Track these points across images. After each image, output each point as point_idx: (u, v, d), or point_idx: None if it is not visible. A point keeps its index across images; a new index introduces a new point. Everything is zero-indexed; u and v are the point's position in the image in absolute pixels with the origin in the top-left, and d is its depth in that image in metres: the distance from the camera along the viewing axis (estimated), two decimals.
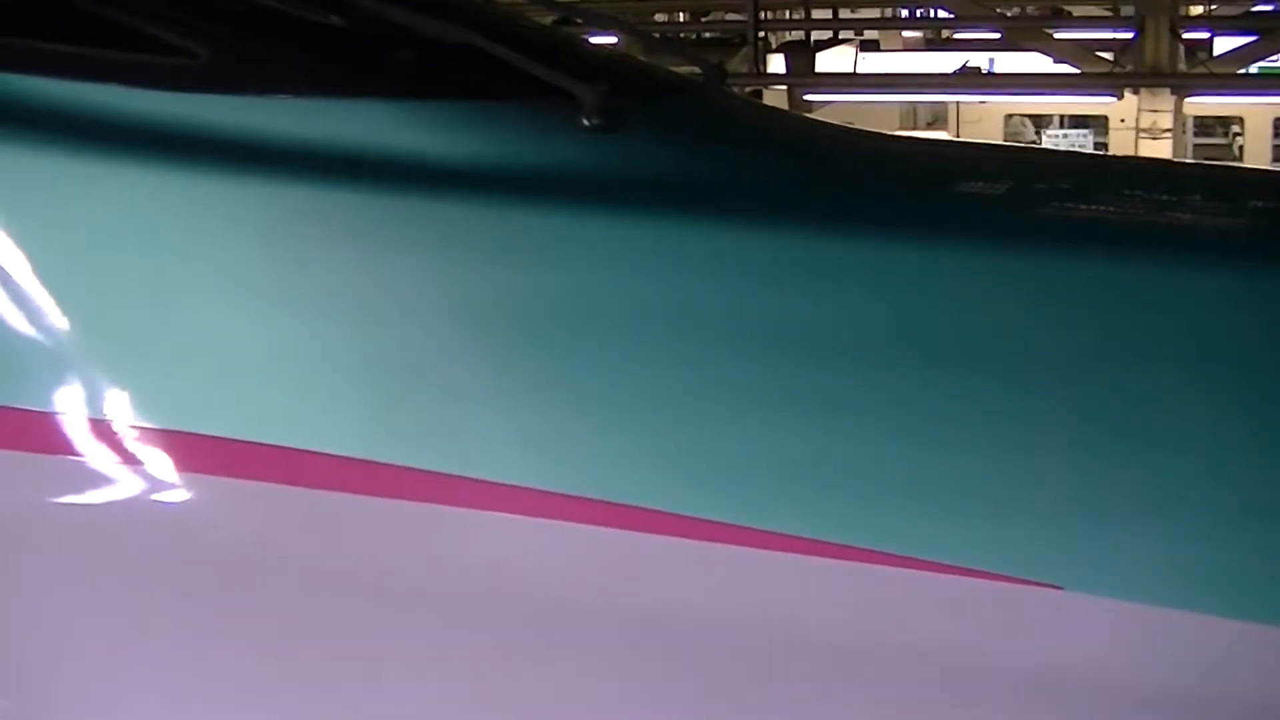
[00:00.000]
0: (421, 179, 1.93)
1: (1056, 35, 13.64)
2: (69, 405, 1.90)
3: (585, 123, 2.05)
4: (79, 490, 1.92)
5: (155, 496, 1.89)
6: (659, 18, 17.35)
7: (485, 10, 2.51)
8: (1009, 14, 15.54)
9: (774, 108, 4.16)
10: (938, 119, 18.17)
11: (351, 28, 2.30)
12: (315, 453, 1.85)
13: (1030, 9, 16.93)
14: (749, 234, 1.92)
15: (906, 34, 18.90)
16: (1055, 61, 12.98)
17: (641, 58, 3.90)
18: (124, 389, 1.90)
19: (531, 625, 1.82)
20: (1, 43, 2.06)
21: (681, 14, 17.74)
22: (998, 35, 15.08)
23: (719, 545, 1.76)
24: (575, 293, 1.87)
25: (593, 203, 1.94)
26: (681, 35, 17.02)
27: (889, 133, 2.95)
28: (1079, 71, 12.70)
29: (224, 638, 1.89)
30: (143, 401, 1.90)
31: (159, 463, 1.89)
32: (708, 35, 16.89)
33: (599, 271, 1.88)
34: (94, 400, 1.90)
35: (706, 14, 17.76)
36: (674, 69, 2.82)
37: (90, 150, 1.93)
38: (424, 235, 1.90)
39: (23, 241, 1.91)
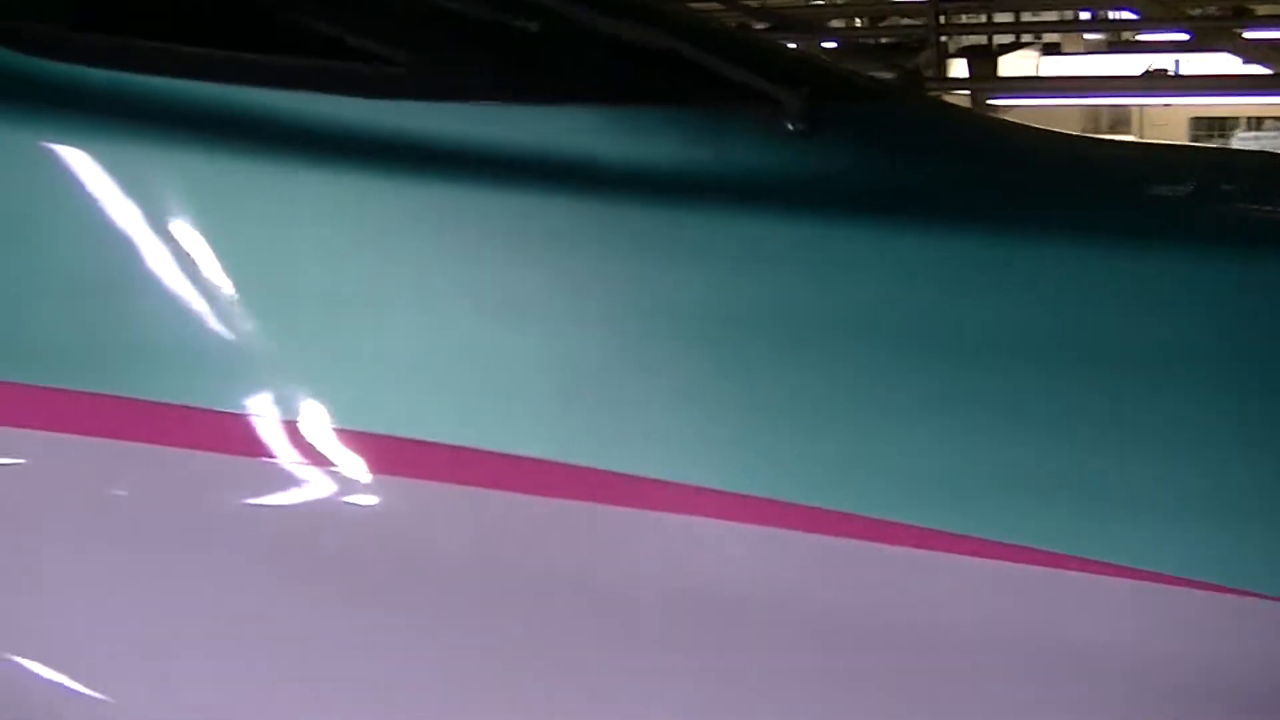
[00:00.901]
0: (621, 185, 1.92)
1: (1246, 35, 13.24)
2: (263, 407, 1.92)
3: (789, 127, 2.02)
4: (271, 492, 1.94)
5: (348, 499, 1.91)
6: (835, 23, 17.23)
7: (684, 14, 2.49)
8: (1194, 14, 15.12)
9: (975, 111, 4.09)
10: (1120, 122, 17.78)
11: (550, 33, 2.29)
12: (509, 455, 1.85)
13: (1213, 9, 16.47)
14: (954, 240, 1.89)
15: (1089, 36, 18.51)
16: (1245, 62, 12.60)
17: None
18: (322, 392, 1.92)
19: (719, 629, 1.81)
20: (205, 53, 2.09)
21: (858, 20, 17.62)
22: (1184, 36, 14.68)
23: (912, 550, 1.74)
24: (776, 298, 1.85)
25: (796, 208, 1.91)
26: (858, 41, 16.87)
27: (1093, 136, 2.89)
28: (1271, 72, 12.31)
29: (411, 641, 1.90)
30: (336, 404, 1.91)
31: (352, 465, 1.90)
32: (884, 40, 16.75)
33: (801, 277, 1.86)
34: (290, 403, 1.92)
35: (883, 19, 17.61)
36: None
37: (289, 157, 1.95)
38: (624, 241, 1.89)
39: (226, 248, 1.94)
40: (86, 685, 1.96)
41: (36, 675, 1.97)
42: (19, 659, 1.98)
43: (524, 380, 1.87)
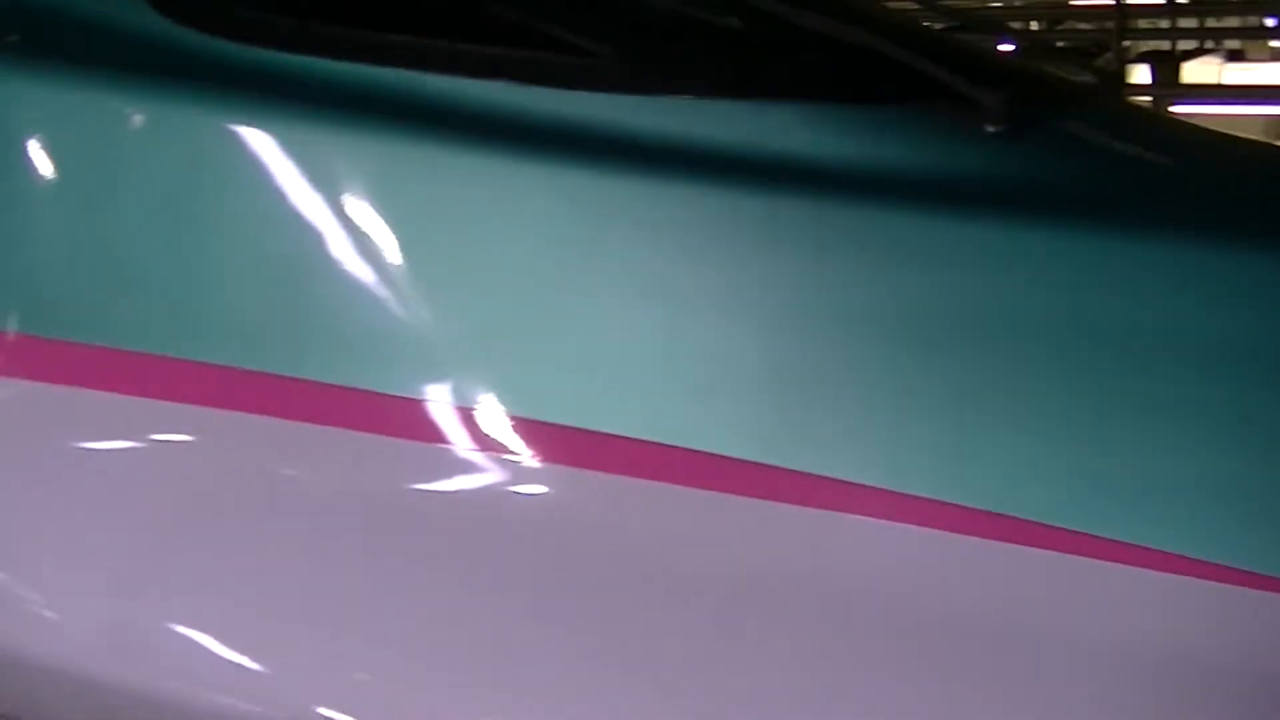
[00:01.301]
0: (822, 182, 1.93)
1: None
2: (450, 395, 1.95)
3: (988, 129, 2.01)
4: (448, 478, 1.96)
5: (533, 490, 1.93)
6: (1013, 24, 16.95)
7: (886, 13, 2.48)
8: None
9: (1174, 117, 4.00)
10: None
11: (752, 28, 2.30)
12: (706, 454, 1.86)
13: None
14: (1155, 245, 1.86)
15: (1274, 44, 17.95)
16: None
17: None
18: (511, 381, 1.95)
19: (916, 637, 1.80)
20: (401, 41, 2.13)
21: (1034, 23, 17.29)
22: None
23: (1121, 565, 1.72)
24: (978, 301, 1.84)
25: (994, 211, 1.90)
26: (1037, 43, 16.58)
27: None
28: None
29: (576, 636, 1.90)
30: (530, 395, 1.94)
31: (540, 456, 1.93)
32: (1060, 44, 16.44)
33: (996, 281, 1.85)
34: (483, 391, 1.95)
35: (1060, 23, 17.28)
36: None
37: (482, 146, 1.98)
38: (824, 238, 1.89)
39: (424, 236, 1.99)
40: (249, 659, 2.00)
41: (202, 646, 2.01)
42: (184, 628, 2.03)
43: (712, 375, 1.88)
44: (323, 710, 1.95)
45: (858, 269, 1.87)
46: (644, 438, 1.88)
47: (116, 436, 2.10)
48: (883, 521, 1.80)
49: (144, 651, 2.03)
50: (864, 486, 1.80)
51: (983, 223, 1.88)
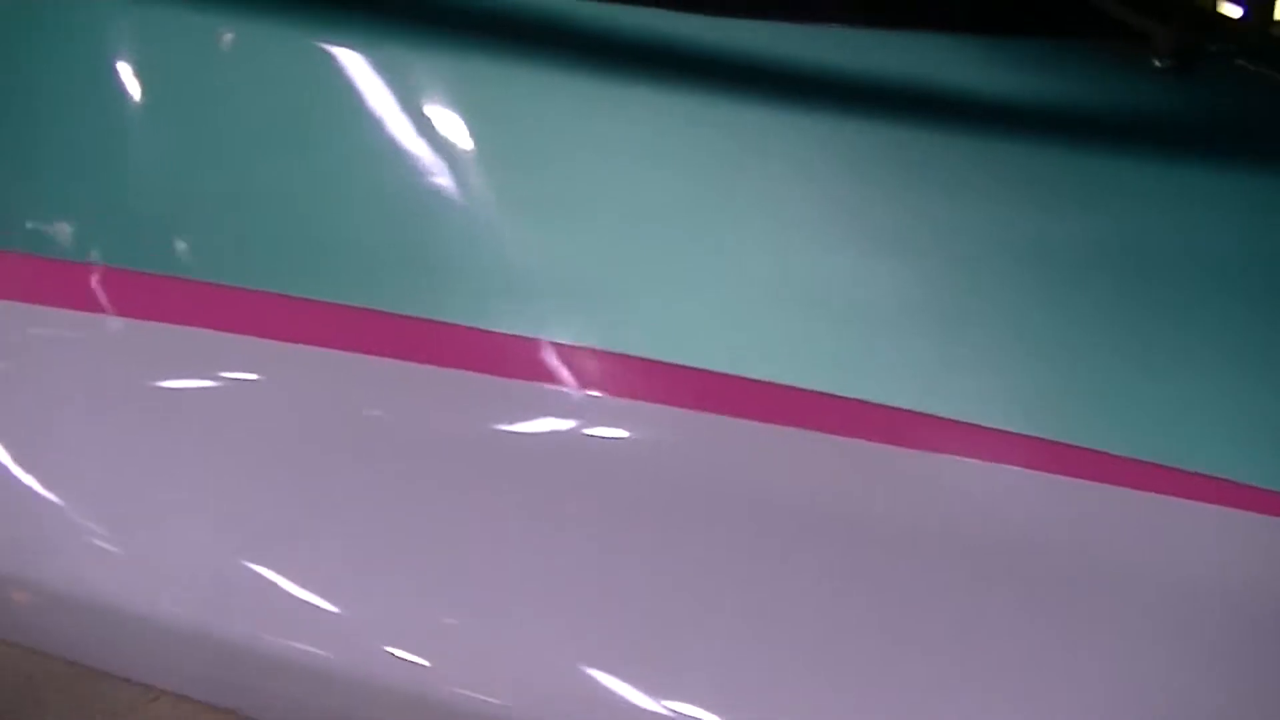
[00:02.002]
0: (984, 117, 1.87)
1: None
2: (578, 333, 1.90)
3: (1156, 64, 1.96)
4: (574, 418, 1.91)
5: (646, 430, 1.88)
6: None
7: None
8: None
9: None
10: None
11: None
12: (822, 393, 1.81)
13: None
14: None
15: None
16: None
17: None
18: (640, 319, 1.89)
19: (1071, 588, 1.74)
20: None
21: None
22: None
23: None
24: (1148, 239, 1.78)
25: (1161, 147, 1.84)
26: None
27: None
28: None
29: (680, 570, 1.85)
30: (655, 332, 1.88)
31: (660, 395, 1.87)
32: None
33: (1161, 217, 1.79)
34: (603, 330, 1.90)
35: None
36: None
37: (626, 73, 1.90)
38: (986, 176, 1.82)
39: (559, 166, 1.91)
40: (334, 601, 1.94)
41: (278, 586, 1.96)
42: (259, 567, 1.97)
43: (870, 317, 1.82)
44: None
45: (1023, 206, 1.82)
46: (757, 377, 1.83)
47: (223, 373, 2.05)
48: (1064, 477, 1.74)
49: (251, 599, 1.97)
50: (1020, 435, 1.75)
51: (1155, 160, 1.82)
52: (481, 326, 1.92)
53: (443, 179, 1.93)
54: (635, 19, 1.96)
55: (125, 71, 2.04)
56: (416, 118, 1.93)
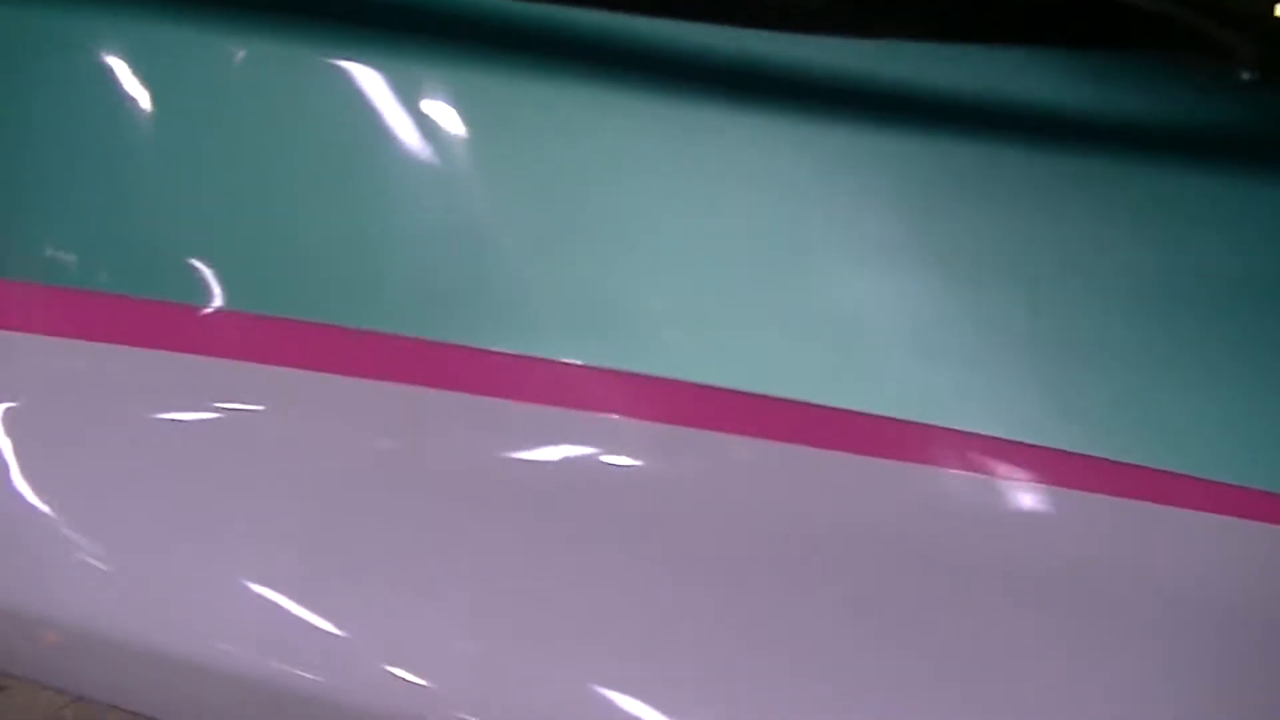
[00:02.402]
0: (1068, 132, 1.82)
1: None
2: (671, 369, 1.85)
3: (1243, 76, 1.93)
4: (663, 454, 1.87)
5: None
6: None
7: None
8: None
9: None
10: None
11: None
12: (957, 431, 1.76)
13: None
14: None
15: None
16: None
17: None
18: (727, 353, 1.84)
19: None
20: None
21: None
22: None
23: None
24: (1223, 255, 1.74)
25: (1248, 162, 1.79)
26: None
27: None
28: None
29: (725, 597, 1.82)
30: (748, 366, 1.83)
31: (765, 433, 1.82)
32: None
33: (1247, 234, 1.74)
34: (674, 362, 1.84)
35: None
36: None
37: (696, 93, 1.86)
38: (1075, 191, 1.77)
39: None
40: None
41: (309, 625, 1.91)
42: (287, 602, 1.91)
43: (963, 342, 1.78)
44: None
45: (1108, 224, 1.76)
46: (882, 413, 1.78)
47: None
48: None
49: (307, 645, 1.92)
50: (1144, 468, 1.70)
51: (1232, 174, 1.77)
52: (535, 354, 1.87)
53: (482, 202, 1.88)
54: (693, 35, 1.91)
55: (134, 94, 1.98)
56: (457, 139, 1.87)
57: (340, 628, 1.88)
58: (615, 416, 1.86)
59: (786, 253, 1.82)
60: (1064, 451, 1.71)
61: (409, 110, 1.88)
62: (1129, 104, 1.85)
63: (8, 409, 2.05)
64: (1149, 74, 1.91)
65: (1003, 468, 1.73)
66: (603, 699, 1.80)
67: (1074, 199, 1.76)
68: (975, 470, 1.74)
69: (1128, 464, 1.69)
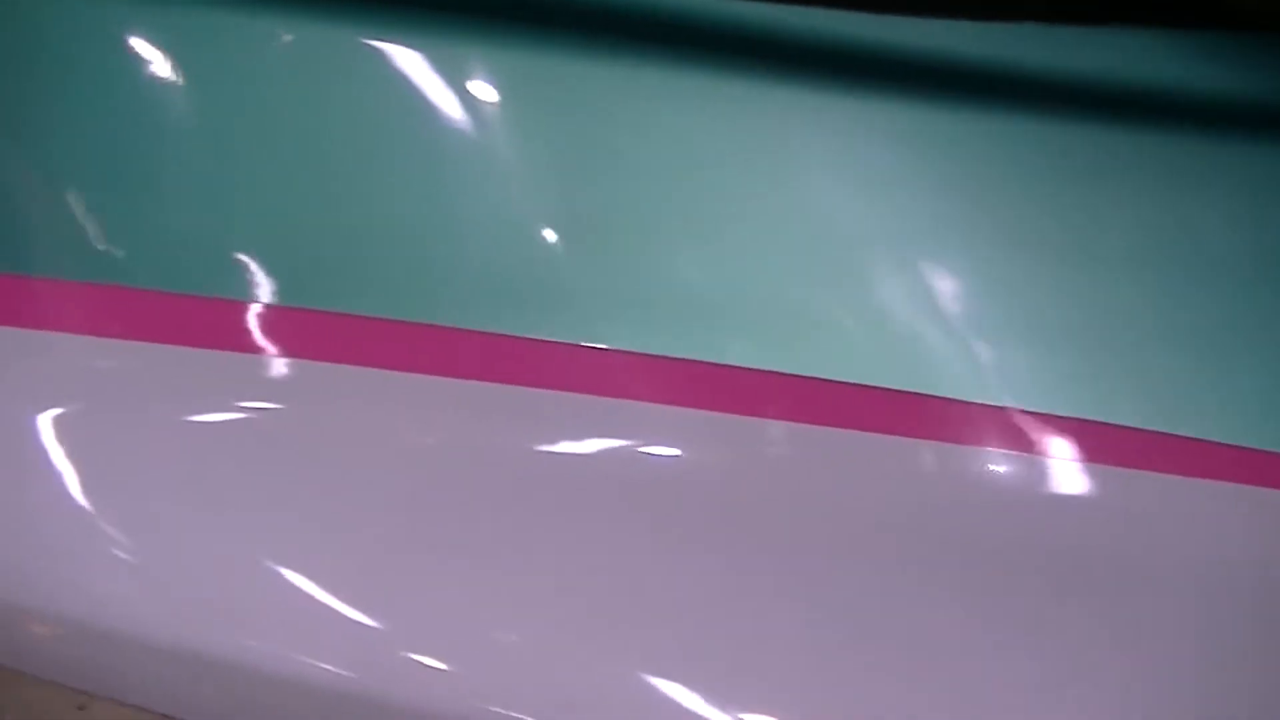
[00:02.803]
0: (1173, 117, 1.79)
1: None
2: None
3: None
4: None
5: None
6: None
7: None
8: None
9: None
10: None
11: None
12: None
13: None
14: None
15: None
16: None
17: None
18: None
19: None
20: None
21: None
22: None
23: None
24: None
25: None
26: None
27: None
28: None
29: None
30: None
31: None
32: None
33: None
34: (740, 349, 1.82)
35: None
36: None
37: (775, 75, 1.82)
38: (1177, 178, 1.75)
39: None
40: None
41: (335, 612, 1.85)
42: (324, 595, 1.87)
43: (1054, 329, 1.74)
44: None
45: (1220, 210, 1.74)
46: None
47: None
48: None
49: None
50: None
51: None
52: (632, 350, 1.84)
53: (529, 188, 1.87)
54: (760, 15, 1.86)
55: (170, 84, 1.96)
56: (502, 122, 1.86)
57: (391, 624, 1.84)
58: (662, 405, 1.83)
59: (843, 236, 1.78)
60: (1123, 426, 1.70)
61: (456, 93, 1.86)
62: (1236, 89, 1.82)
63: (43, 412, 2.01)
64: (1254, 54, 1.86)
65: (1062, 445, 1.71)
66: (658, 692, 1.77)
67: (1180, 181, 1.75)
68: (1030, 451, 1.72)
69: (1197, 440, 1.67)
